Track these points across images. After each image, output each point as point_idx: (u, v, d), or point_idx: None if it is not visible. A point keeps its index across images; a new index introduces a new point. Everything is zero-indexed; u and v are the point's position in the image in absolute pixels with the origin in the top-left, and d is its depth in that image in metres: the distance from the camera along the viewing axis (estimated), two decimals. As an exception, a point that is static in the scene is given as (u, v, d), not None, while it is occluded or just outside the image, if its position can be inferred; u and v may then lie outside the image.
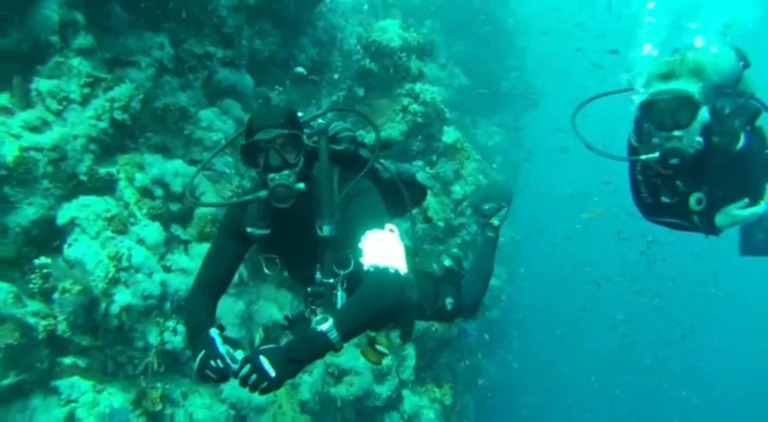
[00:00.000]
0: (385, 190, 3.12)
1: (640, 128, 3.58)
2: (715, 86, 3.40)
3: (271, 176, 2.74)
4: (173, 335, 6.24)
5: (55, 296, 5.78)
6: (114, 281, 5.85)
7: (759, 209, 3.54)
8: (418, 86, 8.92)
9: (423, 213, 6.99)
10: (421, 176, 3.69)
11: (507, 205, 4.49)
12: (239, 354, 2.58)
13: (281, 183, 2.69)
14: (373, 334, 3.23)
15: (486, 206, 4.45)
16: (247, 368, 2.35)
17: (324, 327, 2.44)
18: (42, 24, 6.43)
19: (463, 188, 9.47)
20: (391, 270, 2.64)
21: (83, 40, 6.36)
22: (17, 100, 6.34)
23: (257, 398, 6.78)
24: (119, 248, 5.93)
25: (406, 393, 8.92)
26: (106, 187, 6.30)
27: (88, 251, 5.88)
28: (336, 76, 8.39)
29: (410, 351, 8.84)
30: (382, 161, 3.27)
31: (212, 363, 2.53)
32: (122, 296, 5.88)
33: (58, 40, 6.31)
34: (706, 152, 3.42)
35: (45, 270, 5.84)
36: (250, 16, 7.73)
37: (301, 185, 2.75)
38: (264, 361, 2.34)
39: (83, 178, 6.16)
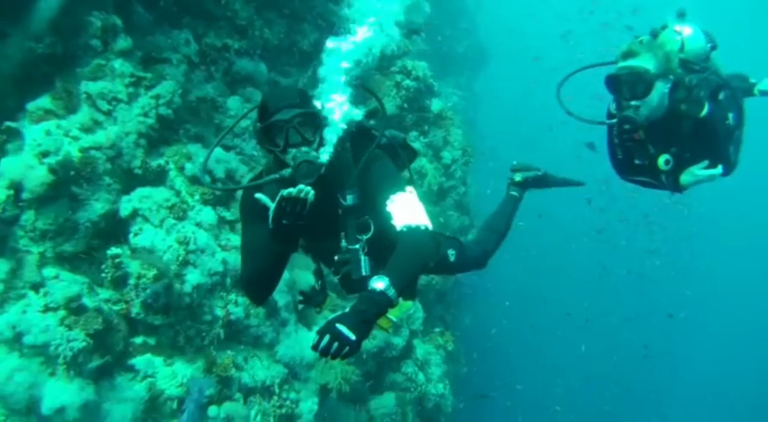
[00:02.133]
0: (387, 152, 3.20)
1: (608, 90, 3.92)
2: (681, 62, 3.79)
3: (293, 153, 2.74)
4: (235, 306, 6.74)
5: (131, 281, 6.21)
6: (184, 263, 6.30)
7: (717, 171, 3.87)
8: (409, 63, 9.50)
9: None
10: (407, 139, 3.83)
11: (539, 170, 4.68)
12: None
13: (305, 159, 2.69)
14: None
15: (515, 162, 4.70)
16: (327, 338, 2.37)
17: (380, 285, 2.48)
18: (79, 28, 6.70)
19: (451, 153, 10.12)
20: (422, 228, 2.74)
21: (123, 42, 6.62)
22: (62, 102, 6.62)
23: (308, 356, 7.43)
24: (185, 232, 6.37)
25: (417, 342, 9.71)
26: (158, 178, 6.64)
27: (155, 238, 6.29)
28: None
29: (417, 303, 9.61)
30: (378, 128, 3.24)
31: (282, 203, 2.56)
32: (193, 276, 6.35)
33: (99, 44, 6.56)
34: (674, 118, 3.78)
35: (117, 260, 6.26)
36: (258, 8, 8.09)
37: (324, 159, 2.77)
38: (342, 328, 2.37)
39: (138, 172, 6.51)
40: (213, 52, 7.62)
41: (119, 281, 6.29)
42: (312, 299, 3.33)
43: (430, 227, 2.79)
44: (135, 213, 6.37)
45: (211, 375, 6.58)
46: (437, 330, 10.34)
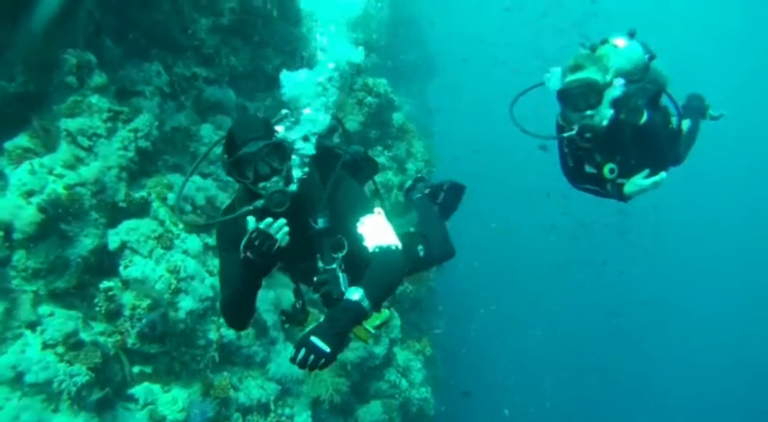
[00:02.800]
0: (350, 170, 3.36)
1: (561, 109, 4.12)
2: (624, 73, 3.96)
3: (262, 184, 2.81)
4: (227, 329, 6.94)
5: (126, 313, 6.32)
6: (176, 291, 6.43)
7: (660, 177, 3.95)
8: (370, 80, 9.81)
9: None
10: (369, 153, 3.92)
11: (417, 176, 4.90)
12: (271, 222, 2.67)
13: (277, 190, 2.78)
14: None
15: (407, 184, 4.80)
16: (303, 351, 2.47)
17: (356, 296, 2.63)
18: (51, 66, 6.77)
19: (415, 164, 10.46)
20: (393, 247, 2.87)
21: (99, 78, 6.71)
22: (40, 140, 6.68)
23: (297, 372, 7.62)
24: (174, 261, 6.51)
25: (396, 349, 9.98)
26: (141, 210, 6.73)
27: (146, 268, 6.41)
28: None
29: (394, 312, 9.90)
30: (341, 147, 3.36)
31: (252, 235, 2.65)
32: (186, 303, 6.47)
33: (75, 81, 6.65)
34: (616, 127, 3.91)
35: (110, 293, 6.36)
36: (224, 36, 8.29)
37: (294, 187, 2.87)
38: (316, 340, 2.48)
39: (123, 205, 6.58)
40: (183, 82, 7.78)
41: (113, 314, 6.39)
42: (294, 318, 3.40)
43: (400, 246, 2.91)
44: (123, 246, 6.47)
45: (210, 397, 6.73)
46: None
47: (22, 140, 6.55)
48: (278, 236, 2.66)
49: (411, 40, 18.45)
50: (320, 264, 3.04)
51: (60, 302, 6.25)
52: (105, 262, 6.50)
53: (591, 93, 3.82)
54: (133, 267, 6.41)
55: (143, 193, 6.80)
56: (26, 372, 5.78)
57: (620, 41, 4.28)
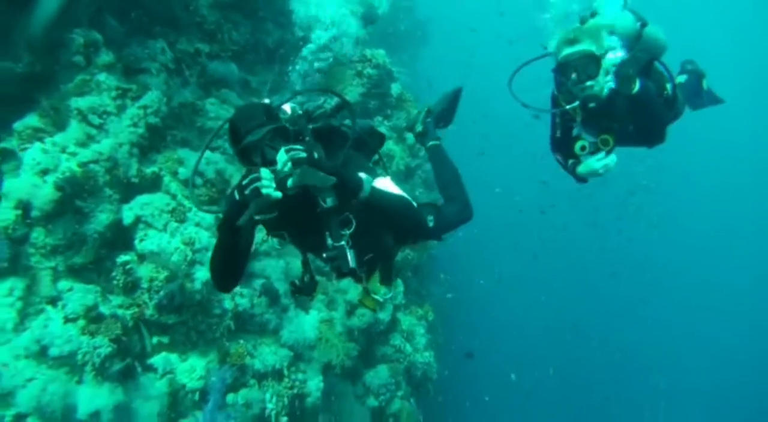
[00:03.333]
0: (356, 145, 3.34)
1: (559, 83, 4.13)
2: (618, 42, 3.98)
3: (271, 168, 2.79)
4: (241, 298, 7.14)
5: (144, 285, 6.50)
6: (192, 263, 6.62)
7: (611, 160, 4.05)
8: (368, 51, 9.89)
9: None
10: (374, 126, 3.94)
11: (423, 110, 4.53)
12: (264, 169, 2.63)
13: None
14: (366, 285, 3.44)
15: (405, 123, 4.89)
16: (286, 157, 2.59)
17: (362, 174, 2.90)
18: (55, 46, 6.84)
19: (414, 133, 10.63)
20: (407, 198, 3.13)
21: (106, 56, 6.80)
22: (50, 120, 6.76)
23: (309, 338, 7.86)
24: (189, 233, 6.66)
25: (400, 315, 10.23)
26: (153, 185, 6.86)
27: (161, 241, 6.56)
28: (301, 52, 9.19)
29: (399, 281, 10.15)
30: (347, 123, 3.35)
31: (243, 182, 2.61)
32: (201, 274, 6.64)
33: (82, 60, 6.73)
34: (610, 96, 3.94)
35: (128, 266, 6.53)
36: (224, 11, 8.33)
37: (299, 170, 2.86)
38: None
39: (135, 180, 6.72)
40: (186, 58, 7.84)
41: (130, 287, 6.56)
42: (303, 290, 3.43)
43: (413, 202, 3.14)
44: (138, 220, 6.61)
45: (226, 364, 6.95)
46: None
47: (32, 120, 6.63)
48: (264, 190, 2.58)
49: (402, 7, 18.34)
50: (329, 241, 3.05)
51: (78, 278, 6.41)
52: (120, 236, 6.65)
53: (590, 64, 3.86)
54: (149, 241, 6.55)
55: (154, 168, 6.92)
56: (50, 346, 5.96)
57: (609, 12, 4.36)
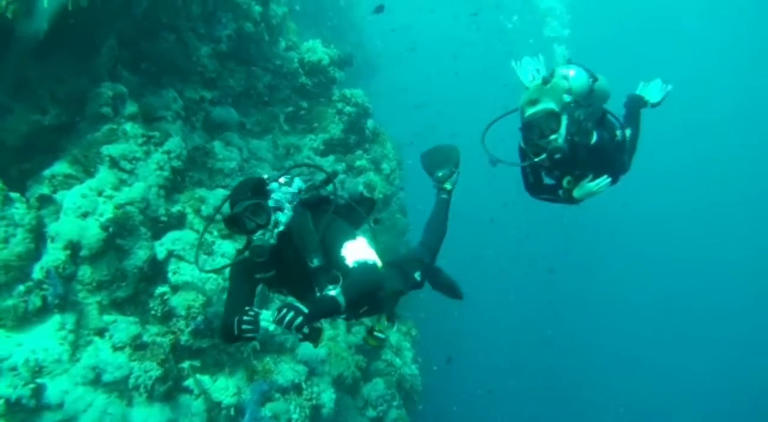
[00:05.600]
0: (345, 212, 3.75)
1: (526, 138, 4.58)
2: (570, 102, 4.42)
3: (251, 237, 3.32)
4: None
5: (182, 312, 7.14)
6: (224, 290, 7.33)
7: (604, 181, 4.56)
8: (347, 91, 10.82)
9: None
10: (366, 193, 4.34)
11: (456, 168, 5.10)
12: (265, 311, 2.98)
13: (256, 244, 3.25)
14: (370, 324, 3.93)
15: (440, 173, 5.06)
16: (284, 310, 2.82)
17: (333, 292, 3.00)
18: (79, 98, 7.46)
19: (389, 164, 11.53)
20: (370, 262, 3.25)
21: (131, 107, 7.46)
22: (81, 167, 7.35)
23: (321, 354, 8.62)
24: (218, 264, 7.38)
25: (388, 332, 11.06)
26: (179, 222, 7.54)
27: (194, 272, 7.26)
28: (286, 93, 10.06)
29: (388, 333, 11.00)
30: (337, 193, 3.72)
31: (245, 317, 2.94)
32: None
33: (110, 111, 7.39)
34: (573, 147, 4.39)
35: (165, 297, 7.17)
36: (222, 60, 9.13)
37: (272, 241, 3.30)
38: (296, 303, 2.87)
39: (164, 218, 7.39)
40: (193, 105, 8.59)
41: (165, 316, 7.20)
42: (308, 337, 3.52)
43: (378, 262, 3.32)
44: (170, 254, 7.27)
45: (259, 378, 7.65)
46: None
47: (62, 167, 7.20)
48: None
49: (351, 43, 19.44)
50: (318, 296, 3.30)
51: (118, 310, 7.02)
52: (153, 271, 7.29)
53: (552, 120, 4.31)
54: (182, 273, 7.21)
55: (179, 207, 7.58)
56: (103, 373, 6.54)
57: (569, 72, 4.78)
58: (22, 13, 6.28)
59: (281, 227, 3.38)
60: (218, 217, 7.63)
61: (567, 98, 4.42)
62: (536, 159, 4.46)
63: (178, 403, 7.06)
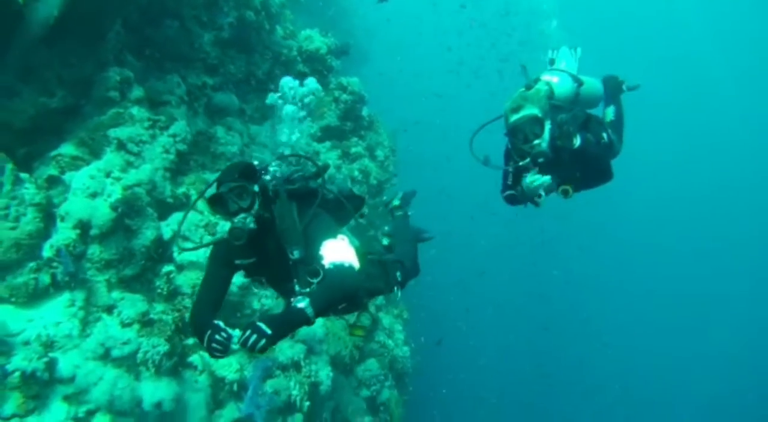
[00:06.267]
0: (332, 207, 3.76)
1: (512, 143, 4.67)
2: (553, 106, 4.57)
3: (231, 219, 3.27)
4: (266, 298, 8.08)
5: (187, 290, 7.36)
6: (227, 270, 7.55)
7: (543, 179, 4.49)
8: (344, 79, 11.06)
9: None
10: (357, 189, 4.64)
11: (403, 192, 5.39)
12: (237, 331, 3.05)
13: (236, 226, 3.20)
14: (351, 321, 3.96)
15: (384, 198, 5.72)
16: (248, 332, 2.88)
17: (302, 305, 3.01)
18: (85, 82, 7.63)
19: (383, 151, 11.79)
20: (346, 264, 3.24)
21: (137, 92, 7.63)
22: (87, 149, 7.52)
23: (319, 333, 8.89)
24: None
25: (381, 314, 11.39)
26: (183, 204, 7.80)
27: (198, 252, 7.47)
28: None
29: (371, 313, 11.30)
30: (327, 186, 3.77)
31: (217, 336, 3.02)
32: (236, 278, 7.57)
33: (117, 95, 7.56)
34: (556, 150, 4.46)
35: (171, 276, 7.39)
36: (223, 48, 9.31)
37: (252, 225, 3.24)
38: (261, 324, 2.90)
39: (169, 200, 7.58)
40: (195, 90, 8.77)
41: (171, 294, 7.42)
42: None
43: (356, 264, 3.33)
44: (175, 236, 7.49)
45: (256, 359, 7.90)
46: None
47: (69, 149, 7.36)
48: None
49: (342, 30, 19.56)
50: (297, 287, 3.40)
51: (125, 288, 7.23)
52: (159, 250, 7.50)
53: (535, 125, 4.41)
54: (187, 252, 7.44)
55: (183, 189, 7.79)
56: (112, 348, 6.75)
57: (553, 78, 4.96)
58: (34, -1, 6.40)
59: (263, 213, 3.34)
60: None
61: (549, 104, 4.55)
62: (521, 163, 4.55)
63: (184, 378, 7.29)
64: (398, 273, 4.32)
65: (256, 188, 3.35)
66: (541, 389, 24.38)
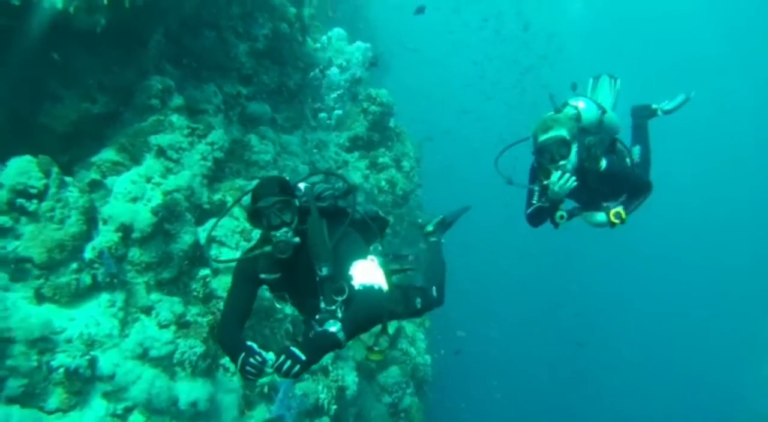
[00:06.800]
0: (359, 227, 3.79)
1: (539, 162, 4.81)
2: (580, 129, 4.73)
3: (273, 233, 3.32)
4: (297, 304, 8.27)
5: (222, 294, 7.54)
6: (262, 275, 7.75)
7: (572, 180, 4.59)
8: (373, 91, 11.28)
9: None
10: (381, 212, 4.39)
11: (442, 215, 5.50)
12: (270, 355, 3.12)
13: (281, 239, 3.28)
14: (369, 343, 3.88)
15: (420, 220, 5.55)
16: (282, 357, 2.93)
17: (334, 329, 3.05)
18: (126, 89, 7.87)
19: (409, 162, 11.98)
20: (376, 287, 3.24)
21: (177, 100, 7.88)
22: (128, 154, 7.76)
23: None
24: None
25: (404, 323, 11.53)
26: (220, 210, 7.98)
27: (234, 257, 7.67)
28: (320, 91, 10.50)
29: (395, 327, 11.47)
30: (355, 207, 3.78)
31: (251, 360, 3.10)
32: (269, 284, 7.80)
33: (158, 103, 7.80)
34: (583, 173, 4.66)
35: (207, 279, 7.58)
36: (258, 58, 9.56)
37: (297, 239, 3.35)
38: (295, 349, 2.95)
39: (206, 206, 7.80)
40: (230, 99, 9.01)
41: (206, 298, 7.61)
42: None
43: (385, 287, 3.31)
44: (212, 240, 7.70)
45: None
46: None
47: (110, 154, 7.62)
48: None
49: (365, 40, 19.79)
50: (322, 305, 3.43)
51: (163, 290, 7.43)
52: (197, 254, 7.69)
53: (563, 146, 4.55)
54: (223, 257, 7.64)
55: (219, 195, 8.00)
56: (150, 348, 6.94)
57: (579, 103, 5.10)
58: (83, 9, 6.63)
59: (301, 228, 3.42)
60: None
61: (577, 128, 4.69)
62: (546, 181, 4.70)
63: (217, 379, 7.46)
64: (418, 300, 4.42)
65: (297, 202, 3.42)
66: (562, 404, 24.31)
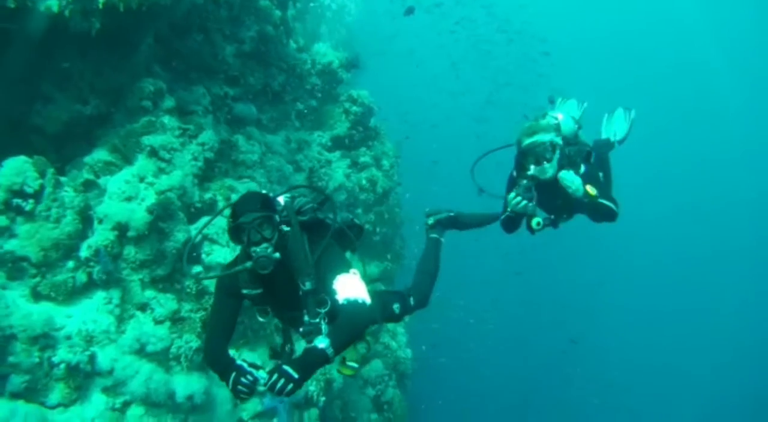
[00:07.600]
0: (336, 236, 3.80)
1: (519, 165, 5.00)
2: (563, 138, 4.90)
3: (253, 249, 3.30)
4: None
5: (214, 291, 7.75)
6: (254, 272, 7.96)
7: (526, 204, 4.83)
8: (354, 92, 11.53)
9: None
10: (357, 220, 4.41)
11: (451, 211, 5.47)
12: (262, 373, 3.16)
13: (262, 255, 3.26)
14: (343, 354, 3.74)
15: (427, 209, 5.48)
16: (275, 376, 2.95)
17: (323, 345, 3.10)
18: (117, 91, 8.01)
19: (389, 160, 12.24)
20: (360, 301, 3.30)
21: (169, 102, 8.03)
22: (120, 155, 7.90)
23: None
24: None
25: (385, 318, 11.80)
26: (210, 208, 8.13)
27: (226, 255, 7.86)
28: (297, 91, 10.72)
29: (370, 342, 11.71)
30: (331, 216, 3.79)
31: (243, 379, 3.14)
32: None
33: (150, 105, 7.95)
34: (555, 183, 4.79)
35: (200, 276, 7.78)
36: (243, 59, 9.73)
37: (277, 255, 3.33)
38: (287, 368, 2.97)
39: (198, 205, 7.96)
40: (218, 100, 9.18)
41: (199, 294, 7.81)
42: (281, 356, 3.90)
43: (368, 300, 3.36)
44: (204, 238, 7.88)
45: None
46: None
47: (102, 155, 7.72)
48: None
49: (342, 41, 19.92)
50: (306, 318, 3.46)
51: (157, 287, 7.60)
52: (194, 254, 7.87)
53: (548, 150, 4.73)
54: (215, 254, 7.79)
55: (210, 195, 8.18)
56: (147, 344, 7.12)
57: (558, 115, 5.27)
58: (78, 12, 6.76)
59: (282, 243, 3.42)
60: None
61: (558, 136, 4.89)
62: (525, 182, 4.85)
63: (210, 373, 7.64)
64: (396, 305, 4.42)
65: (277, 218, 3.41)
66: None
